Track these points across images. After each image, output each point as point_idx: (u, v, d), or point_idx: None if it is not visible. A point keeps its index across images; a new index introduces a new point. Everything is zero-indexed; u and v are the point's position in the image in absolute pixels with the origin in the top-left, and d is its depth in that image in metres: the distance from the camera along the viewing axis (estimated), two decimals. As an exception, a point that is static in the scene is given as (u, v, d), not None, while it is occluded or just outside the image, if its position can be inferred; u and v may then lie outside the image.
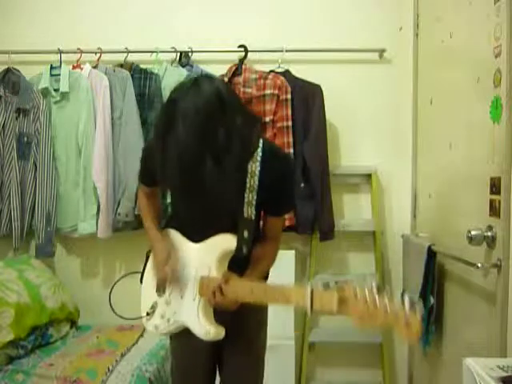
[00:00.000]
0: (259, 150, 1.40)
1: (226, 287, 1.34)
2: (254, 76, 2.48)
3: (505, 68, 1.57)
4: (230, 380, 1.60)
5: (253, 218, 1.38)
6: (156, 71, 2.56)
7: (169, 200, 2.16)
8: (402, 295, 1.04)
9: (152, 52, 2.60)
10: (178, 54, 2.61)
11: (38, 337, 2.22)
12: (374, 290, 1.05)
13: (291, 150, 2.44)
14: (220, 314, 1.44)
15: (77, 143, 2.56)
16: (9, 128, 2.57)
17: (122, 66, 2.60)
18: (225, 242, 1.40)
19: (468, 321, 1.88)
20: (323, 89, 2.50)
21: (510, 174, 1.55)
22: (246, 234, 1.38)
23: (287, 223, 2.37)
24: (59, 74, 2.56)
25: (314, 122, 2.48)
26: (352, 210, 2.70)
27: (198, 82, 1.25)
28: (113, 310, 1.63)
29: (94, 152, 2.50)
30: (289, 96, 2.45)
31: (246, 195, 1.39)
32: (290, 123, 2.45)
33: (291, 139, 2.45)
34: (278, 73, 2.51)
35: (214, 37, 2.62)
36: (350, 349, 2.72)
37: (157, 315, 1.52)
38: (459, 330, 1.97)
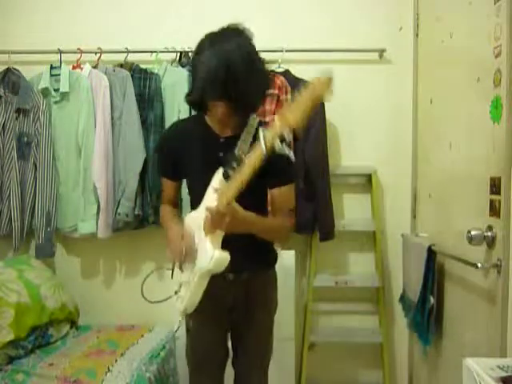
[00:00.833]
0: (256, 120, 1.60)
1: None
2: (254, 76, 2.48)
3: (505, 68, 1.57)
4: (245, 353, 1.78)
5: (243, 157, 1.46)
6: (156, 71, 2.56)
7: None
8: None
9: (152, 52, 2.60)
10: (178, 54, 2.61)
11: (38, 337, 2.22)
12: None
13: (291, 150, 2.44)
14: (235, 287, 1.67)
15: (77, 143, 2.56)
16: (9, 128, 2.57)
17: (122, 65, 2.60)
18: (215, 177, 1.53)
19: (468, 321, 1.88)
20: (323, 89, 2.50)
21: (510, 174, 1.55)
22: (234, 164, 1.47)
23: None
24: (59, 74, 2.56)
25: (314, 122, 2.48)
26: (352, 210, 2.70)
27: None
28: (144, 297, 1.71)
29: (93, 152, 2.50)
30: (289, 96, 2.45)
31: (238, 144, 1.54)
32: (289, 123, 2.45)
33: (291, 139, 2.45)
34: (277, 73, 2.51)
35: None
36: (350, 349, 2.72)
37: (182, 289, 1.64)
38: (459, 330, 1.97)
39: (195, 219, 1.59)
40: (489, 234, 1.65)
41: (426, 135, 2.47)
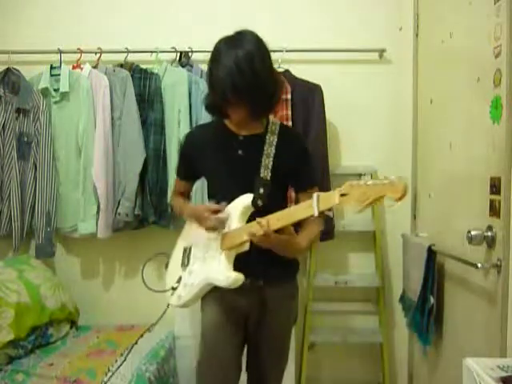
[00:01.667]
0: (278, 125, 1.68)
1: (260, 221, 1.47)
2: (254, 76, 2.48)
3: (505, 68, 1.57)
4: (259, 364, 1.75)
5: (268, 178, 1.58)
6: (156, 71, 2.56)
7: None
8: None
9: (152, 52, 2.60)
10: (178, 54, 2.61)
11: (38, 337, 2.23)
12: (368, 177, 1.21)
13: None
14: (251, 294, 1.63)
15: (77, 143, 2.56)
16: (9, 128, 2.57)
17: (122, 65, 2.60)
18: (242, 199, 1.57)
19: (468, 321, 1.88)
20: (323, 89, 2.50)
21: (510, 174, 1.55)
22: (261, 190, 1.55)
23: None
24: (59, 74, 2.56)
25: (314, 121, 2.48)
26: (352, 210, 2.70)
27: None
28: (145, 284, 1.77)
29: (94, 152, 2.50)
30: (289, 96, 2.45)
31: (262, 160, 1.60)
32: (289, 123, 2.45)
33: (291, 139, 2.45)
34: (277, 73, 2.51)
35: (213, 37, 2.61)
36: (350, 349, 2.72)
37: (181, 286, 1.67)
38: (459, 330, 1.97)
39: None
40: (489, 233, 1.65)
41: (426, 135, 2.47)
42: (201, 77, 2.55)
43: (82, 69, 2.59)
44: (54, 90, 2.57)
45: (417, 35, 2.57)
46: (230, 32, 1.61)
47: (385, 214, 2.71)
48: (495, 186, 1.62)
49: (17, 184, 2.54)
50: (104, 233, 2.51)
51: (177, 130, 2.51)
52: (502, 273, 1.58)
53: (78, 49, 2.60)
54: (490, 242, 1.65)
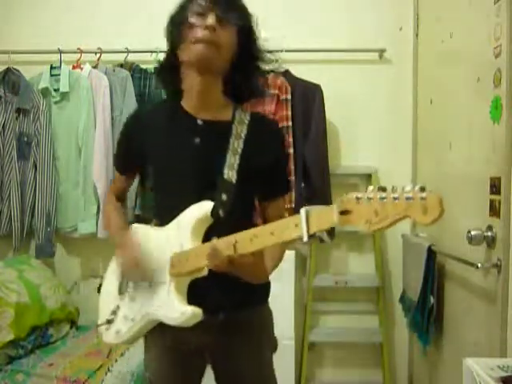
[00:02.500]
0: (247, 114, 1.28)
1: (219, 243, 1.06)
2: (253, 76, 2.48)
3: (505, 68, 1.57)
4: None
5: (233, 181, 1.19)
6: (156, 71, 2.56)
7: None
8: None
9: (152, 52, 2.60)
10: (178, 54, 2.61)
11: (38, 337, 2.22)
12: (377, 189, 0.86)
13: (291, 150, 2.44)
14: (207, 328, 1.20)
15: (77, 143, 2.56)
16: (9, 128, 2.57)
17: (122, 65, 2.60)
18: (198, 209, 1.17)
19: (468, 321, 1.88)
20: (323, 89, 2.50)
21: (510, 174, 1.55)
22: (224, 196, 1.16)
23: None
24: (59, 74, 2.56)
25: (314, 121, 2.48)
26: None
27: None
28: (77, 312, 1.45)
29: (93, 152, 2.51)
30: (289, 96, 2.45)
31: (227, 157, 1.21)
32: (289, 123, 2.45)
33: (291, 139, 2.45)
34: (277, 73, 2.51)
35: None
36: (350, 349, 2.72)
37: (119, 319, 1.28)
38: (459, 330, 1.97)
39: (150, 242, 1.25)
40: (489, 233, 1.65)
41: (426, 135, 2.47)
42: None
43: (81, 69, 2.59)
44: (54, 90, 2.57)
45: (417, 35, 2.57)
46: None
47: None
48: (495, 186, 1.62)
49: (17, 184, 2.54)
50: (104, 233, 2.51)
51: (177, 129, 2.51)
52: (502, 273, 1.58)
53: (78, 49, 2.60)
54: (490, 242, 1.65)
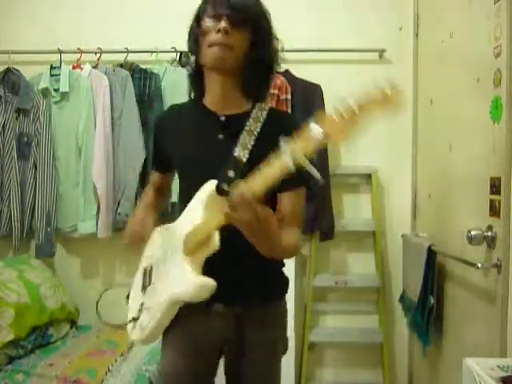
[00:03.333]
0: (267, 106, 1.34)
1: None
2: (253, 76, 2.48)
3: (505, 68, 1.57)
4: None
5: (243, 160, 1.22)
6: (156, 71, 2.56)
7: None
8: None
9: (152, 52, 2.60)
10: (178, 54, 2.61)
11: (38, 337, 2.22)
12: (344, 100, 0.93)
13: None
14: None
15: (77, 143, 2.56)
16: (9, 128, 2.57)
17: (121, 66, 2.60)
18: (204, 187, 1.22)
19: (468, 321, 1.88)
20: (323, 89, 2.50)
21: (510, 174, 1.55)
22: (230, 173, 1.20)
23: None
24: (59, 74, 2.56)
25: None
26: (352, 210, 2.70)
27: None
28: (99, 316, 1.51)
29: (94, 152, 2.50)
30: (289, 96, 2.45)
31: (241, 136, 1.25)
32: (289, 123, 2.45)
33: (291, 139, 2.45)
34: (277, 73, 2.51)
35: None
36: (350, 349, 2.72)
37: (143, 314, 1.32)
38: (459, 330, 1.97)
39: (170, 235, 1.30)
40: (489, 234, 1.65)
41: (426, 135, 2.47)
42: (201, 77, 2.55)
43: (81, 69, 2.59)
44: (54, 90, 2.58)
45: (417, 35, 2.57)
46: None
47: (385, 214, 2.71)
48: (495, 186, 1.62)
49: (17, 184, 2.54)
50: (104, 233, 2.51)
51: (177, 130, 2.51)
52: (502, 273, 1.58)
53: (78, 49, 2.60)
54: (490, 242, 1.65)
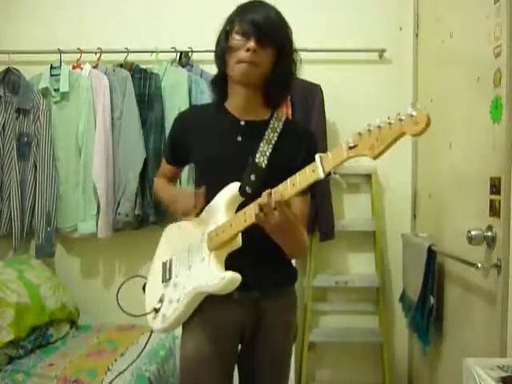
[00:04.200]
0: (284, 115, 1.50)
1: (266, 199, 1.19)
2: (254, 76, 2.48)
3: (505, 68, 1.57)
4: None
5: (263, 165, 1.37)
6: (156, 71, 2.56)
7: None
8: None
9: (152, 52, 2.60)
10: (178, 54, 2.61)
11: (38, 337, 2.22)
12: (375, 121, 1.02)
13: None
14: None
15: (77, 143, 2.56)
16: (9, 128, 2.57)
17: (122, 65, 2.60)
18: (228, 188, 1.35)
19: (468, 321, 1.88)
20: (323, 89, 2.50)
21: (510, 174, 1.55)
22: (252, 177, 1.34)
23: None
24: (59, 74, 2.56)
25: (314, 121, 2.48)
26: (352, 210, 2.70)
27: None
28: (121, 308, 1.57)
29: (93, 152, 2.50)
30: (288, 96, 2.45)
31: (261, 145, 1.40)
32: (289, 123, 2.45)
33: (291, 139, 2.45)
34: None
35: (214, 37, 2.61)
36: (350, 349, 2.72)
37: (165, 304, 1.42)
38: (459, 330, 1.97)
39: (188, 231, 1.43)
40: (489, 234, 1.65)
41: (426, 135, 2.45)
42: (201, 77, 2.55)
43: (82, 69, 2.59)
44: (54, 90, 2.57)
45: (417, 35, 2.57)
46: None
47: (385, 214, 2.71)
48: (495, 186, 1.62)
49: (17, 184, 2.54)
50: (104, 233, 2.51)
51: (177, 129, 2.51)
52: (502, 273, 1.58)
53: (78, 49, 2.60)
54: (490, 242, 1.65)
